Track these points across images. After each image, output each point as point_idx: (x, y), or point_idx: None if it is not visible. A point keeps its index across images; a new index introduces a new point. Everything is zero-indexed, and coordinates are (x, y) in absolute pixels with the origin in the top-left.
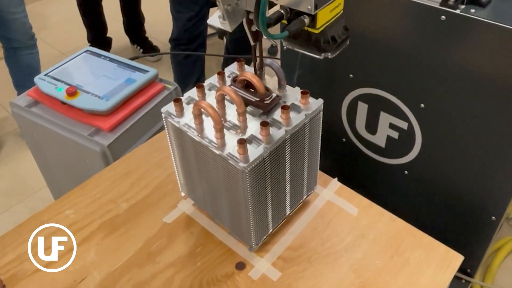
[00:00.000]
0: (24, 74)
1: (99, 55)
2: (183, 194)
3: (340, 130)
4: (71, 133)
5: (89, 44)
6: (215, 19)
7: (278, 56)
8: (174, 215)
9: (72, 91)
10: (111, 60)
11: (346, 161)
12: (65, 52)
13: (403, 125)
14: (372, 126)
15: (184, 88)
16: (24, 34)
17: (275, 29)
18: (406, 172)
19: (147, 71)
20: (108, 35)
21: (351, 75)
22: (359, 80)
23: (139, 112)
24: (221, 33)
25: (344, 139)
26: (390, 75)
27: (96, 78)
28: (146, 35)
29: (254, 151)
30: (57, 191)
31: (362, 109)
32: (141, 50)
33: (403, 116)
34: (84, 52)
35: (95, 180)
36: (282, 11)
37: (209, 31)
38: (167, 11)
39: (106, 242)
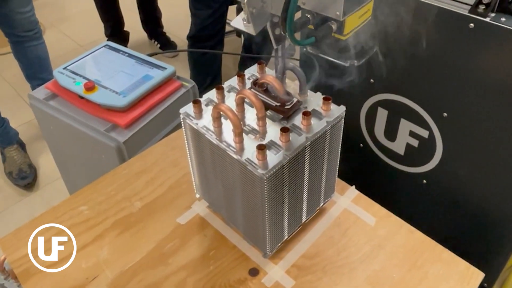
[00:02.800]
0: (33, 66)
1: (118, 50)
2: (197, 195)
3: (357, 135)
4: (87, 127)
5: (107, 38)
6: (239, 21)
7: (295, 56)
8: (188, 216)
9: (90, 86)
10: (130, 55)
11: (362, 167)
12: (83, 45)
13: (424, 133)
14: (391, 133)
15: (200, 86)
16: (30, 30)
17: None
18: (424, 181)
19: (165, 68)
20: (125, 29)
21: (371, 80)
22: (380, 85)
23: (155, 109)
24: (239, 31)
25: (361, 145)
26: (413, 81)
27: (114, 74)
28: (163, 30)
29: (273, 158)
30: (72, 184)
31: (382, 115)
32: (158, 45)
33: (424, 124)
34: (103, 46)
35: (110, 177)
36: (308, 16)
37: (227, 28)
38: (186, 7)
39: (119, 240)
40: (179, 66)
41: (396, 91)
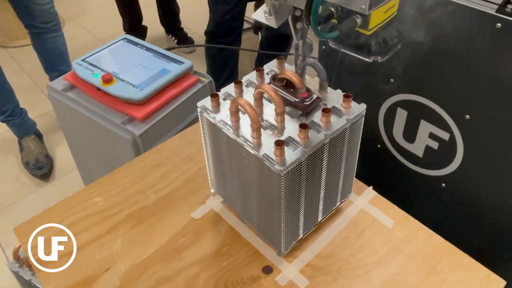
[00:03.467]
0: (52, 58)
1: (136, 44)
2: (212, 190)
3: (375, 136)
4: (104, 120)
5: (125, 32)
6: (260, 14)
7: (314, 54)
8: (202, 211)
9: (108, 78)
10: (148, 49)
11: (379, 169)
12: (101, 38)
13: (445, 135)
14: (410, 134)
15: (217, 81)
16: (49, 21)
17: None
18: (443, 185)
19: (182, 63)
20: (143, 23)
21: (392, 79)
22: (401, 85)
23: (172, 103)
24: (256, 28)
25: (379, 145)
26: (435, 82)
27: (132, 67)
28: (181, 26)
29: (291, 154)
30: (87, 176)
31: (401, 115)
32: (176, 41)
33: (445, 127)
34: (121, 39)
35: (125, 169)
36: (332, 9)
37: (245, 25)
38: (204, 3)
39: (132, 233)
40: (196, 62)
41: (416, 91)
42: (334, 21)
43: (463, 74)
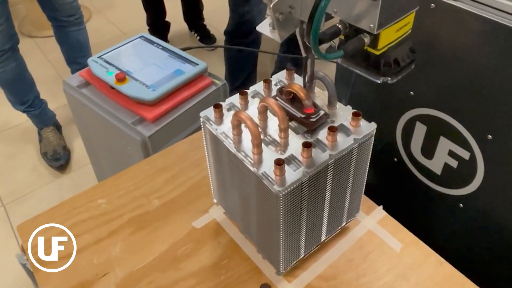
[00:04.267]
0: (74, 51)
1: (152, 43)
2: (215, 200)
3: (392, 148)
4: (115, 119)
5: (148, 27)
6: (265, 26)
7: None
8: (204, 220)
9: (122, 77)
10: (164, 49)
11: (394, 182)
12: (126, 32)
13: (465, 154)
14: (429, 150)
15: (234, 82)
16: (72, 15)
17: None
18: (461, 205)
19: (197, 64)
20: (166, 19)
21: (412, 92)
22: (421, 99)
23: (183, 105)
24: None
25: (395, 159)
26: (457, 98)
27: (146, 66)
28: (204, 22)
29: (292, 174)
30: (100, 171)
31: (420, 130)
32: (198, 38)
33: (465, 145)
34: (138, 37)
35: (131, 171)
36: (339, 26)
37: None
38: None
39: (133, 238)
40: (217, 60)
41: (437, 106)
42: (341, 37)
43: (487, 92)
